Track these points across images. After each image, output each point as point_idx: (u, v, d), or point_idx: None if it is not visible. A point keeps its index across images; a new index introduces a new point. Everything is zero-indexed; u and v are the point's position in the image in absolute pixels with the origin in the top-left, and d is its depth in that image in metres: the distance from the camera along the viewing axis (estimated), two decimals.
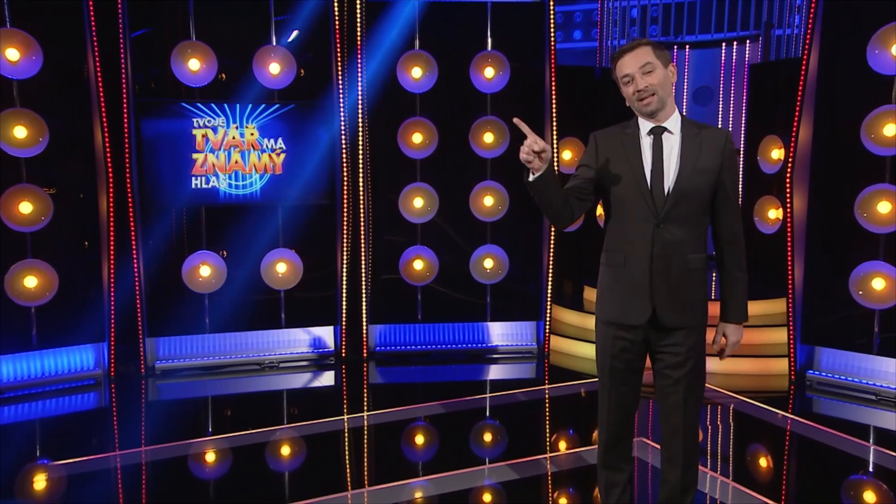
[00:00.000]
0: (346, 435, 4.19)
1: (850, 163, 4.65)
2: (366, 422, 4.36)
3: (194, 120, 5.14)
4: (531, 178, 2.27)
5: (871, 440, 4.08)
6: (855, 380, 4.73)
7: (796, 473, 3.81)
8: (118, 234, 5.00)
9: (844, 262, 4.69)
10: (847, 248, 4.70)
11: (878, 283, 4.54)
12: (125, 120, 4.94)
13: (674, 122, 2.38)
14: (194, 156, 5.18)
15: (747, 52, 8.10)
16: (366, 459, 3.90)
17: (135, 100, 5.00)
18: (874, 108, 4.46)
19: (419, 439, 4.24)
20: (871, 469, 3.74)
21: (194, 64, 5.06)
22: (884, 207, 4.46)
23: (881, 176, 4.52)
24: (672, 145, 2.37)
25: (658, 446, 2.82)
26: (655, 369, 2.48)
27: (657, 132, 2.37)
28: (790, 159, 4.77)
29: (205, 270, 5.26)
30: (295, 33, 5.34)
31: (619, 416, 2.52)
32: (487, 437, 4.28)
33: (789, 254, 4.88)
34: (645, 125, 2.40)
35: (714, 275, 6.88)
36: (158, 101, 5.13)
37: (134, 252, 5.08)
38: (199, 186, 5.21)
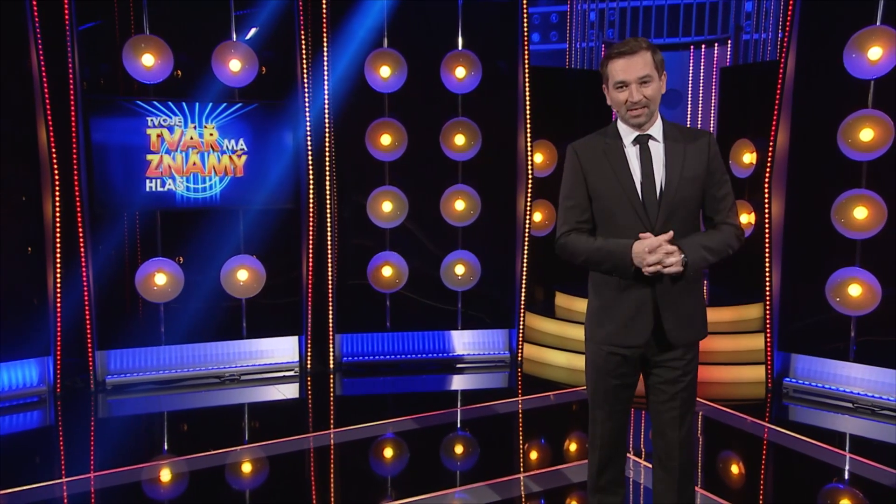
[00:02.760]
0: (312, 454, 3.96)
1: (827, 167, 4.60)
2: (332, 440, 4.13)
3: (148, 119, 4.84)
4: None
5: (848, 449, 4.03)
6: (832, 387, 4.69)
7: (773, 483, 3.72)
8: (65, 240, 4.68)
9: (821, 268, 4.64)
10: (823, 254, 4.65)
11: (855, 290, 4.49)
12: (72, 118, 4.62)
13: (657, 129, 2.26)
14: (149, 157, 4.88)
15: (716, 55, 8.10)
16: (332, 481, 3.68)
17: (83, 97, 4.68)
18: (851, 112, 4.42)
19: (390, 458, 4.02)
20: (846, 478, 3.68)
21: (148, 59, 4.76)
22: (860, 213, 4.42)
23: (858, 181, 4.47)
24: (657, 154, 2.24)
25: (650, 465, 2.68)
26: (649, 384, 2.35)
27: (642, 140, 2.25)
28: (768, 164, 4.70)
29: (160, 278, 4.96)
30: (254, 30, 5.07)
31: (614, 436, 2.39)
32: (464, 454, 4.09)
33: (767, 259, 4.81)
34: (628, 133, 2.27)
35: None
36: (109, 98, 4.82)
37: (83, 259, 4.76)
38: (153, 189, 4.91)
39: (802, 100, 4.66)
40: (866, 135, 4.36)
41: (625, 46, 2.17)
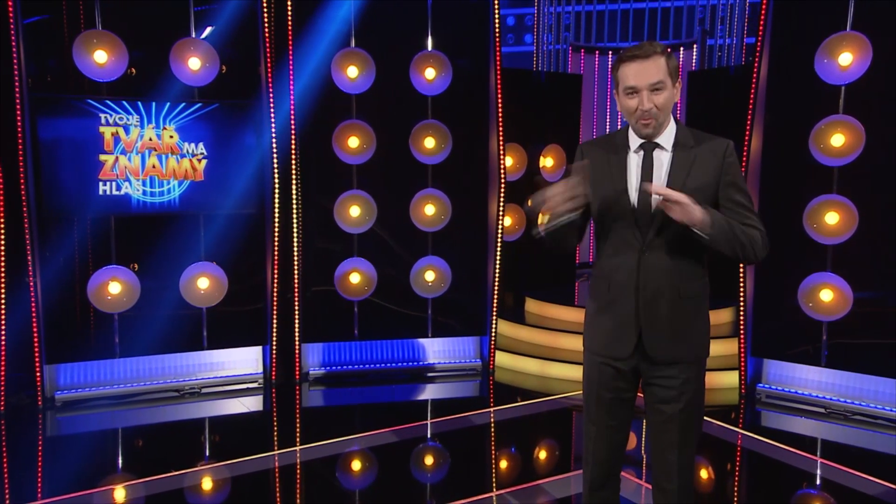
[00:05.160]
0: (278, 474, 3.76)
1: (799, 173, 4.61)
2: (299, 457, 3.93)
3: (102, 116, 4.57)
4: (562, 221, 2.01)
5: (820, 454, 4.02)
6: (804, 392, 4.69)
7: (746, 489, 3.69)
8: (10, 247, 4.39)
9: (793, 274, 4.63)
10: (796, 259, 4.64)
11: (827, 295, 4.50)
12: (17, 117, 4.33)
13: (667, 137, 2.13)
14: (102, 157, 4.61)
15: (681, 59, 8.14)
16: (299, 501, 3.49)
17: (29, 95, 4.39)
18: (822, 117, 4.42)
19: (361, 476, 3.85)
20: (818, 483, 3.67)
21: (101, 56, 4.50)
22: (832, 218, 4.42)
23: (829, 186, 4.48)
24: (663, 162, 2.12)
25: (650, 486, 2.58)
26: (647, 403, 2.25)
27: (648, 148, 2.13)
28: (742, 168, 4.67)
29: (114, 287, 4.70)
30: (209, 29, 4.84)
31: (607, 454, 2.28)
32: (439, 470, 3.95)
33: (741, 264, 4.79)
34: (635, 139, 2.16)
35: None
36: (58, 96, 4.53)
37: (30, 267, 4.47)
38: (108, 193, 4.65)
39: (775, 105, 4.66)
40: (837, 140, 4.37)
41: (638, 50, 2.04)
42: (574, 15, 9.37)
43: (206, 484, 3.62)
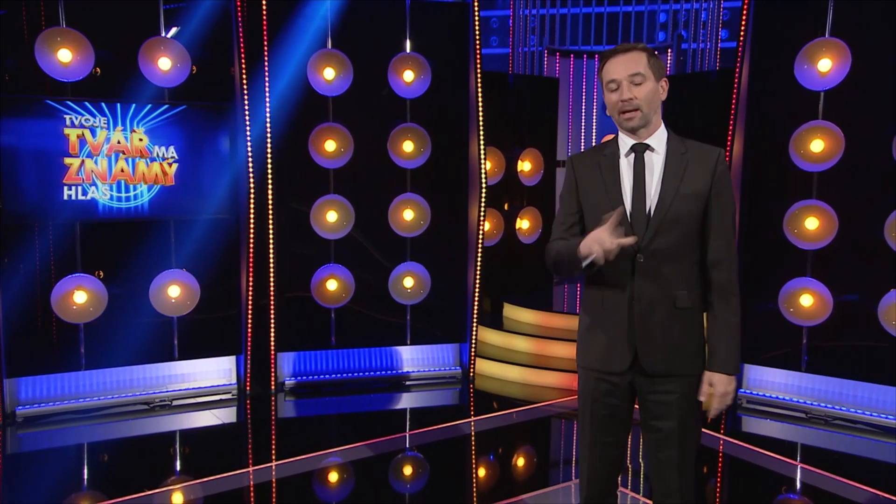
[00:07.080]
0: (253, 491, 3.62)
1: (779, 178, 4.61)
2: (275, 473, 3.79)
3: (67, 118, 4.38)
4: (589, 262, 1.96)
5: (800, 459, 4.02)
6: (784, 398, 4.69)
7: (728, 495, 3.67)
8: None
9: (773, 279, 4.64)
10: (776, 264, 4.65)
11: (807, 300, 4.51)
12: None
13: (658, 140, 2.10)
14: (67, 161, 4.41)
15: None
16: None
17: None
18: (802, 123, 4.43)
19: (339, 491, 3.73)
20: (799, 488, 3.67)
21: (65, 55, 4.31)
22: (811, 223, 4.44)
23: (809, 192, 4.49)
24: (655, 166, 2.08)
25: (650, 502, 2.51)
26: (643, 421, 2.18)
27: (639, 150, 2.08)
28: None
29: (80, 296, 4.50)
30: (175, 29, 4.67)
31: (602, 472, 2.21)
32: (422, 484, 3.84)
33: None
34: (625, 143, 2.11)
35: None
36: (19, 97, 4.32)
37: None
38: (73, 198, 4.45)
39: (755, 110, 4.66)
40: (817, 146, 4.38)
41: (620, 46, 2.08)
42: (549, 18, 9.35)
43: (178, 502, 3.46)
